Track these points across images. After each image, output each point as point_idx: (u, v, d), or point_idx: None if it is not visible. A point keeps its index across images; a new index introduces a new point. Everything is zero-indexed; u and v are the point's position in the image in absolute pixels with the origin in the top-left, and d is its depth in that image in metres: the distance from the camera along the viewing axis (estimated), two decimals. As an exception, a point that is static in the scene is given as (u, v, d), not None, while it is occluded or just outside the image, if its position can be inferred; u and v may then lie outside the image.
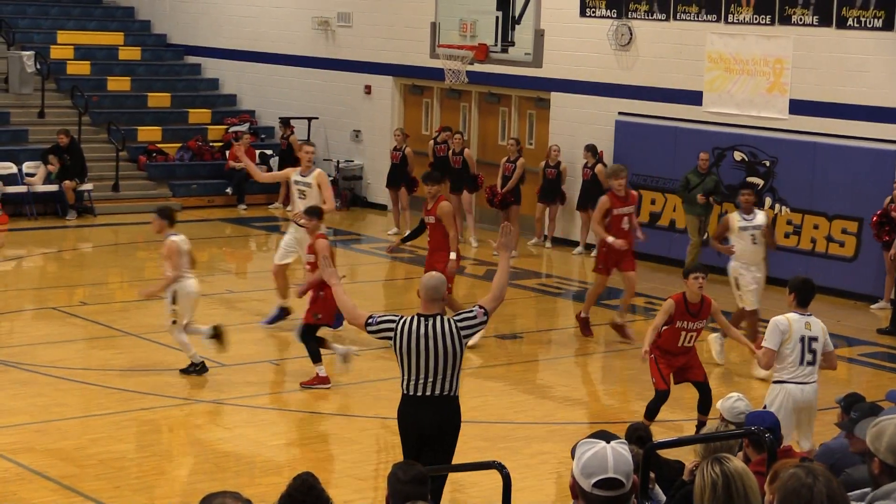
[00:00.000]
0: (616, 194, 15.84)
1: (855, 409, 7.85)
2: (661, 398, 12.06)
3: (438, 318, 8.79)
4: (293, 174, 16.33)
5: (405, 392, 8.88)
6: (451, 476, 10.73)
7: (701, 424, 11.89)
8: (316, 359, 13.59)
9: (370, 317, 8.86)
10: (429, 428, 8.83)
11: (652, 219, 20.98)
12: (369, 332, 8.94)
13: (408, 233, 16.48)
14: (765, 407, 10.30)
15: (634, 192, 16.53)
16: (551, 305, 18.55)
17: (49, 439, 11.70)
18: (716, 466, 4.73)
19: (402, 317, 8.85)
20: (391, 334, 8.78)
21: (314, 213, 14.37)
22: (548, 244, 21.93)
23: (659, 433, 11.68)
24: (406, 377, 8.82)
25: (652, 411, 12.06)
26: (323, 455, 11.86)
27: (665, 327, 12.00)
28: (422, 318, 8.79)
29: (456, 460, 10.82)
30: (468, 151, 22.24)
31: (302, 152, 16.46)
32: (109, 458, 11.28)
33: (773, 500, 4.71)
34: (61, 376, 13.56)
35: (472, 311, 8.88)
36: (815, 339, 10.51)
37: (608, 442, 4.36)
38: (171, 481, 10.98)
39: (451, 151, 22.17)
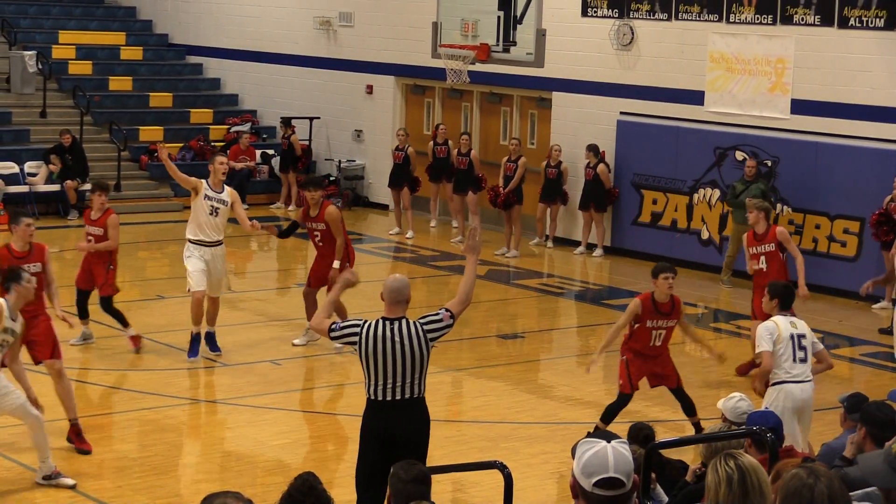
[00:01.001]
0: (753, 232, 14.41)
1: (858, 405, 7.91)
2: (623, 402, 11.84)
3: (403, 320, 8.64)
4: (202, 187, 14.29)
5: (372, 397, 8.67)
6: (453, 476, 10.73)
7: (696, 425, 11.86)
8: (125, 323, 14.51)
9: (333, 323, 8.72)
10: (399, 433, 8.64)
11: (654, 219, 20.98)
12: (333, 339, 8.79)
13: (285, 228, 15.83)
14: (765, 409, 10.31)
15: (777, 227, 14.72)
16: (553, 305, 18.54)
17: (51, 439, 11.66)
18: (730, 461, 4.72)
19: (366, 321, 8.68)
20: (356, 339, 8.60)
21: (102, 187, 14.66)
22: (549, 244, 21.92)
23: (660, 433, 11.67)
24: (373, 382, 8.62)
25: (610, 413, 11.80)
26: (325, 455, 11.86)
27: (636, 326, 11.86)
28: (387, 322, 8.62)
29: (458, 460, 10.83)
30: (474, 153, 22.20)
31: (216, 164, 14.41)
32: (111, 458, 11.28)
33: (774, 499, 4.71)
34: (63, 376, 13.53)
35: (438, 313, 8.73)
36: (802, 336, 10.62)
37: (609, 441, 4.35)
38: (173, 481, 10.98)
39: (456, 151, 22.17)
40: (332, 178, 25.63)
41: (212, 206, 14.25)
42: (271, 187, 25.71)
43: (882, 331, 16.96)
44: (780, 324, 10.61)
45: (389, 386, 8.59)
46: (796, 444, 10.24)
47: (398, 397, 8.61)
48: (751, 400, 8.87)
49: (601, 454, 4.31)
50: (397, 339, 8.56)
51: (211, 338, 14.52)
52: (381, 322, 8.62)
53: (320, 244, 14.63)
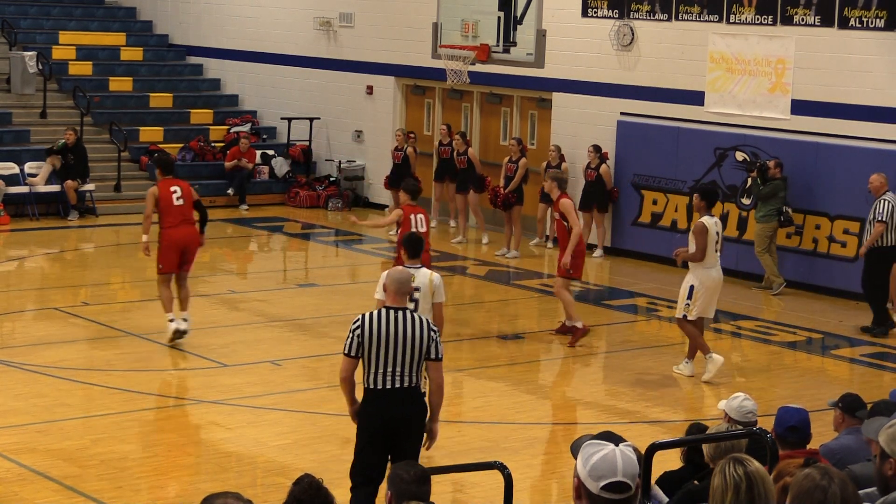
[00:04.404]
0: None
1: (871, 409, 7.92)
2: None
3: (407, 310, 8.84)
4: None
5: (371, 386, 8.79)
6: (453, 476, 10.73)
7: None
8: None
9: (344, 351, 8.87)
10: (398, 422, 8.73)
11: (654, 219, 20.98)
12: (351, 355, 8.81)
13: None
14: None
15: (563, 199, 15.27)
16: (553, 306, 18.51)
17: (51, 439, 11.70)
18: (738, 468, 4.71)
19: (365, 313, 8.83)
20: (359, 331, 8.73)
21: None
22: (549, 244, 21.92)
23: (660, 433, 11.68)
24: (373, 369, 8.73)
25: None
26: (325, 455, 11.84)
27: None
28: (390, 310, 8.80)
29: (458, 460, 10.84)
30: (472, 151, 22.18)
31: None
32: (111, 459, 11.28)
33: (779, 500, 4.71)
34: (63, 376, 13.56)
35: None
36: (417, 288, 10.91)
37: (617, 445, 4.36)
38: (173, 482, 10.98)
39: (455, 153, 22.15)
40: (332, 179, 25.64)
41: None
42: (272, 187, 25.72)
43: (864, 329, 16.94)
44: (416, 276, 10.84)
45: (390, 373, 8.69)
46: None
47: (398, 385, 8.71)
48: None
49: (609, 458, 4.31)
50: (401, 325, 8.70)
51: None
52: (384, 310, 8.80)
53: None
